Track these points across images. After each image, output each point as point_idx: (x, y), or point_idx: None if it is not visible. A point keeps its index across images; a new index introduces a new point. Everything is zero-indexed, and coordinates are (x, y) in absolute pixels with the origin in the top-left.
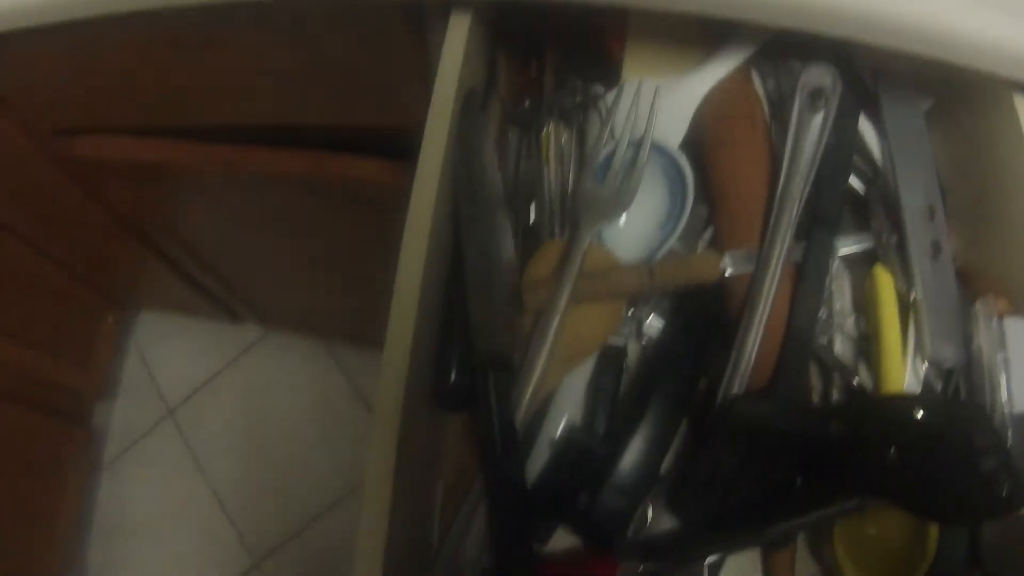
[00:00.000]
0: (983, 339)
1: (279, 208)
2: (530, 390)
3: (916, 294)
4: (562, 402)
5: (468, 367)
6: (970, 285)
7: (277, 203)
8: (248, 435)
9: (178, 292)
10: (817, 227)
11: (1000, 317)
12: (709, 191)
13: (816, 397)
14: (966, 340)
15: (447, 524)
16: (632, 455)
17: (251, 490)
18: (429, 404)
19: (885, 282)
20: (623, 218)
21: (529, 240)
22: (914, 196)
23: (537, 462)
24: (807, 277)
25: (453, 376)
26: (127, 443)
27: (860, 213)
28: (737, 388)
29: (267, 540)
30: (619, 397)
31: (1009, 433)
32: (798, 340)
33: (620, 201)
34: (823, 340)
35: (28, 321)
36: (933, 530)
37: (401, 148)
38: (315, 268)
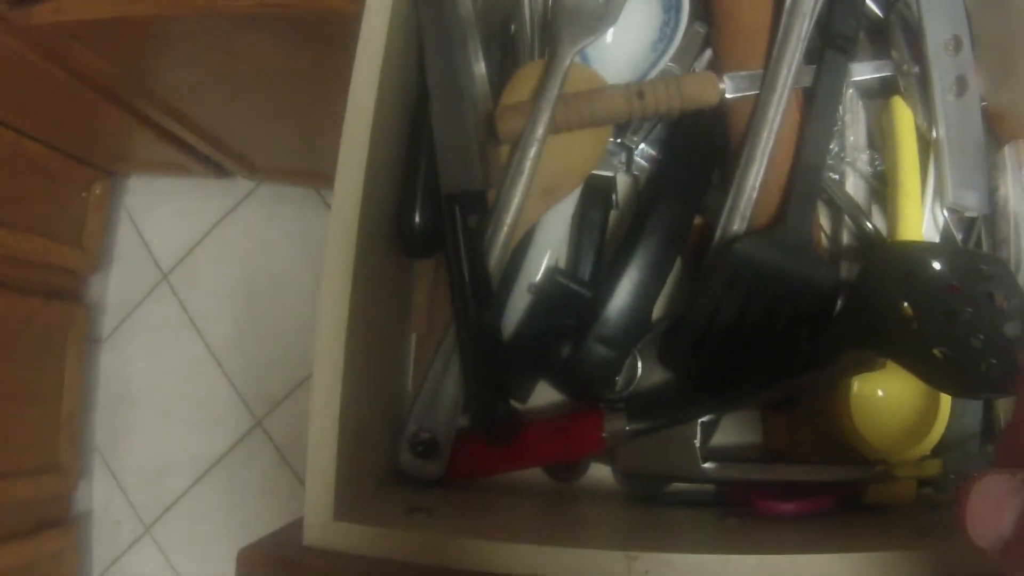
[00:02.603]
0: (1010, 189)
1: (248, 53)
2: (505, 230)
3: (938, 133)
4: (543, 241)
5: (434, 207)
6: (997, 129)
7: (244, 47)
8: (243, 292)
9: (162, 153)
10: (830, 48)
11: None
12: (708, 5)
13: (824, 241)
14: (991, 188)
15: (422, 377)
16: (620, 300)
17: (249, 347)
18: (393, 249)
19: (904, 115)
20: (610, 35)
21: (508, 64)
22: (939, 24)
23: (515, 310)
24: (818, 103)
25: (417, 217)
26: (124, 313)
27: (878, 40)
28: (737, 226)
29: (268, 397)
30: (606, 235)
31: None
32: (807, 174)
33: (606, 14)
34: (834, 176)
35: (17, 205)
36: (946, 398)
37: None
38: (295, 110)
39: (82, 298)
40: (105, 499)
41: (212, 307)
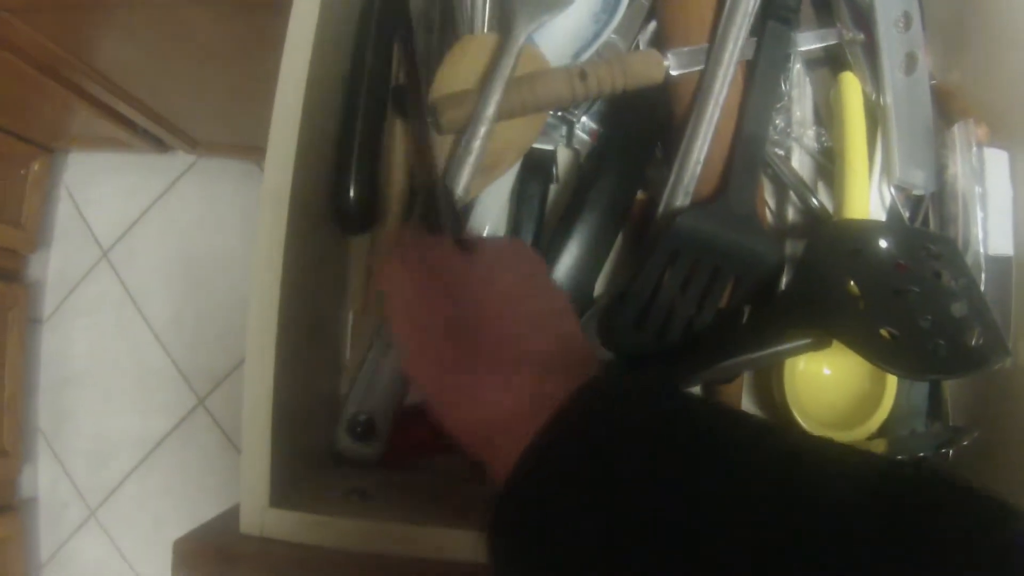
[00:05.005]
0: (959, 168)
1: (186, 24)
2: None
3: (886, 109)
4: (481, 217)
5: (369, 182)
6: (947, 108)
7: (183, 19)
8: (184, 268)
9: (102, 128)
10: (772, 18)
11: (979, 145)
12: None
13: (769, 217)
14: (940, 167)
15: (360, 358)
16: (560, 276)
17: (190, 325)
18: (328, 227)
19: (854, 90)
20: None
21: (444, 38)
22: (888, 1)
23: None
24: (759, 73)
25: (352, 192)
26: (64, 292)
27: (824, 12)
28: (681, 200)
29: (210, 375)
30: (546, 209)
31: (983, 276)
32: (749, 144)
33: None
34: (779, 152)
35: None
36: (892, 377)
37: None
38: (235, 82)
39: (22, 278)
40: (51, 483)
41: (152, 285)
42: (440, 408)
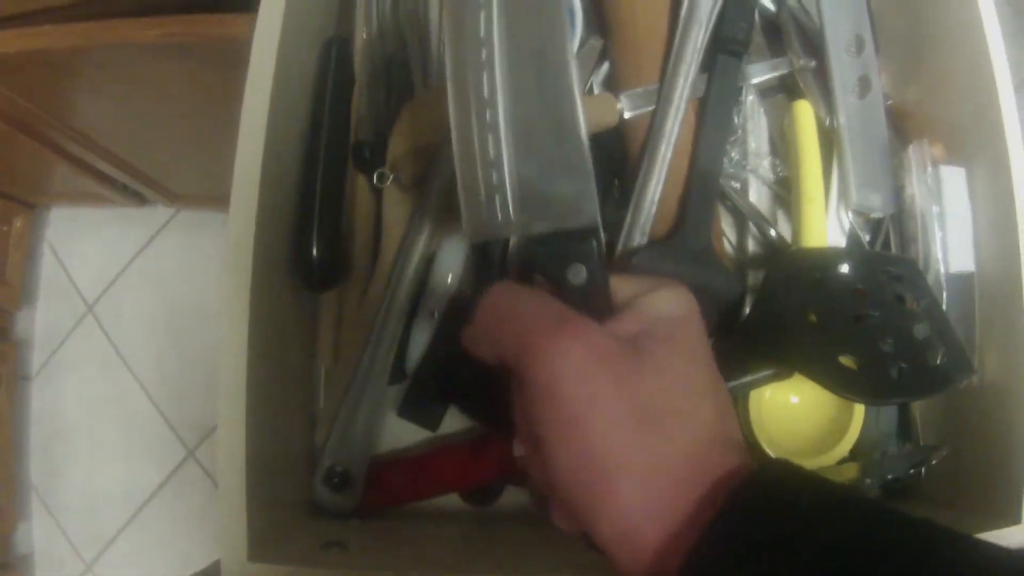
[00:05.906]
0: (916, 188)
1: (158, 81)
2: (414, 263)
3: (841, 136)
4: (444, 265)
5: (332, 240)
6: (904, 127)
7: (154, 76)
8: (168, 320)
9: (81, 184)
10: (722, 52)
11: (935, 165)
12: (602, 18)
13: (729, 250)
14: (897, 189)
15: (334, 410)
16: None
17: (176, 377)
18: (296, 283)
19: (807, 119)
20: None
21: (394, 94)
22: (840, 25)
23: (420, 337)
24: (711, 106)
25: (315, 251)
26: (52, 348)
27: (776, 39)
28: (638, 240)
29: (198, 426)
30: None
31: (944, 295)
32: (703, 178)
33: None
34: (736, 185)
35: None
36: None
37: None
38: (209, 135)
39: (9, 335)
40: (46, 539)
41: (138, 338)
42: (582, 513)
